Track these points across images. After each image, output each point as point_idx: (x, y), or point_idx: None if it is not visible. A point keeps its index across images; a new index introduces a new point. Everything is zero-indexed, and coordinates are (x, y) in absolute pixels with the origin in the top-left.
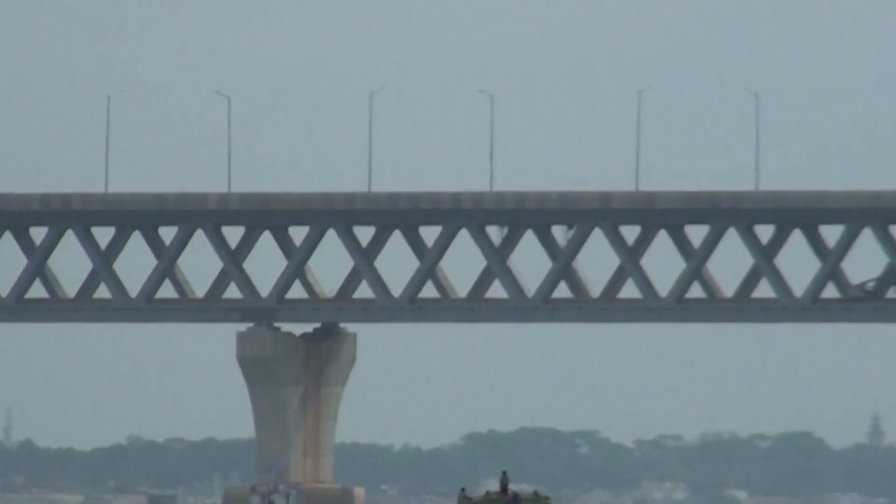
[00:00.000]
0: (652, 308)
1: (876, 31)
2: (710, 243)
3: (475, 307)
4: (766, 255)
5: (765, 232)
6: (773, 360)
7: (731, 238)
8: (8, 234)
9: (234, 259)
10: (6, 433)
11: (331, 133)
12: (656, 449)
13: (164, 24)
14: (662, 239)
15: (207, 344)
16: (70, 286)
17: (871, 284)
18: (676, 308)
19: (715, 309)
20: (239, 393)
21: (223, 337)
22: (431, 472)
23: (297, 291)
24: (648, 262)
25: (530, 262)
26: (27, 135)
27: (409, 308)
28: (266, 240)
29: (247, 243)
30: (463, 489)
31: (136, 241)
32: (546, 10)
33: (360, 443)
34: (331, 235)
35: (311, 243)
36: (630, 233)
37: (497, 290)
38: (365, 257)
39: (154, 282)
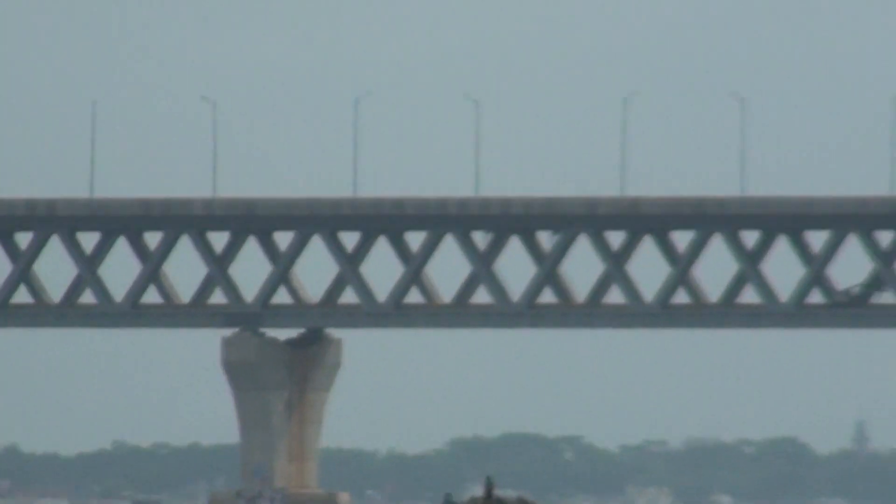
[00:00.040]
0: (637, 314)
1: (861, 37)
2: (696, 249)
3: (460, 313)
4: (751, 261)
5: (750, 237)
6: (759, 366)
7: (717, 243)
8: None
9: (219, 264)
10: None
11: (316, 138)
12: (641, 454)
13: (149, 28)
14: (648, 244)
15: (192, 349)
16: (55, 291)
17: (857, 290)
18: (662, 314)
19: (700, 314)
20: (224, 398)
21: (208, 342)
22: (416, 477)
23: (282, 297)
24: (634, 267)
25: (515, 267)
26: (12, 140)
27: (395, 314)
28: (251, 245)
29: (232, 249)
30: (448, 495)
31: (121, 246)
32: (532, 15)
33: (344, 448)
34: (316, 241)
35: (297, 249)
36: (615, 238)
37: (482, 296)
38: (350, 263)
39: (139, 287)
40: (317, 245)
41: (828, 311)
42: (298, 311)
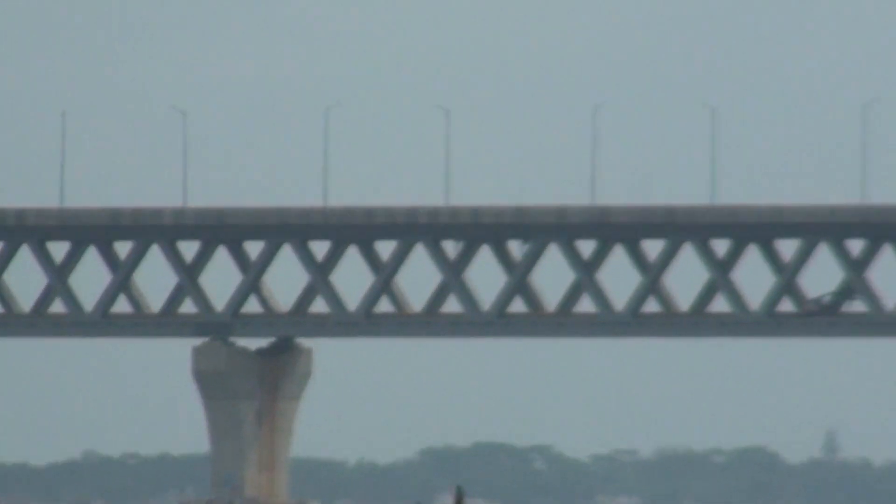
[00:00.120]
0: (608, 322)
1: (831, 46)
2: (666, 258)
3: (431, 322)
4: (722, 270)
5: (721, 246)
6: (729, 375)
7: (688, 252)
8: None
9: (189, 274)
10: None
11: (286, 148)
12: (612, 463)
13: (119, 39)
14: (618, 253)
15: (163, 359)
16: (25, 301)
17: (827, 299)
18: (632, 322)
19: (671, 323)
20: (194, 408)
21: (178, 352)
22: (386, 486)
23: (252, 306)
24: (604, 276)
25: (486, 276)
26: None
27: (365, 322)
28: (221, 254)
29: (202, 258)
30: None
31: (92, 255)
32: (502, 24)
33: (315, 458)
34: (286, 250)
35: (267, 258)
36: (586, 247)
37: (453, 305)
38: (320, 272)
39: (109, 297)
40: (287, 254)
41: (798, 319)
42: (269, 320)
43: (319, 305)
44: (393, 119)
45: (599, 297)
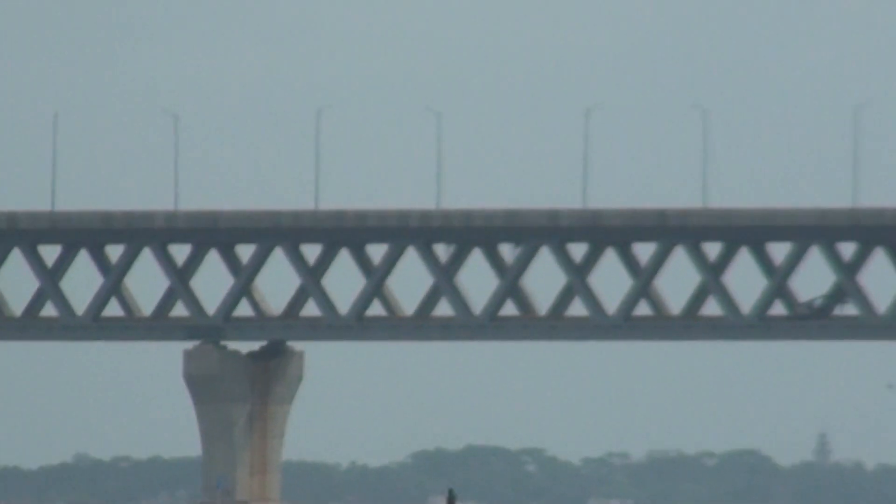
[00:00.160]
0: (599, 326)
1: (823, 49)
2: (658, 261)
3: (422, 325)
4: (713, 273)
5: (712, 249)
6: (721, 378)
7: (679, 255)
8: None
9: (180, 277)
10: None
11: (278, 151)
12: (603, 467)
13: (112, 43)
14: (610, 256)
15: (154, 362)
16: (16, 304)
17: (819, 302)
18: (624, 326)
19: (662, 326)
20: (186, 411)
21: (170, 355)
22: (379, 490)
23: (243, 310)
24: (596, 279)
25: (477, 279)
26: None
27: (356, 326)
28: (213, 258)
29: (194, 261)
30: None
31: (83, 259)
32: (493, 27)
33: (307, 461)
34: (278, 254)
35: (258, 261)
36: (577, 250)
37: (444, 308)
38: (312, 275)
39: (101, 300)
40: (279, 258)
41: (790, 322)
42: (260, 323)
43: (311, 309)
44: (384, 122)
45: (591, 300)
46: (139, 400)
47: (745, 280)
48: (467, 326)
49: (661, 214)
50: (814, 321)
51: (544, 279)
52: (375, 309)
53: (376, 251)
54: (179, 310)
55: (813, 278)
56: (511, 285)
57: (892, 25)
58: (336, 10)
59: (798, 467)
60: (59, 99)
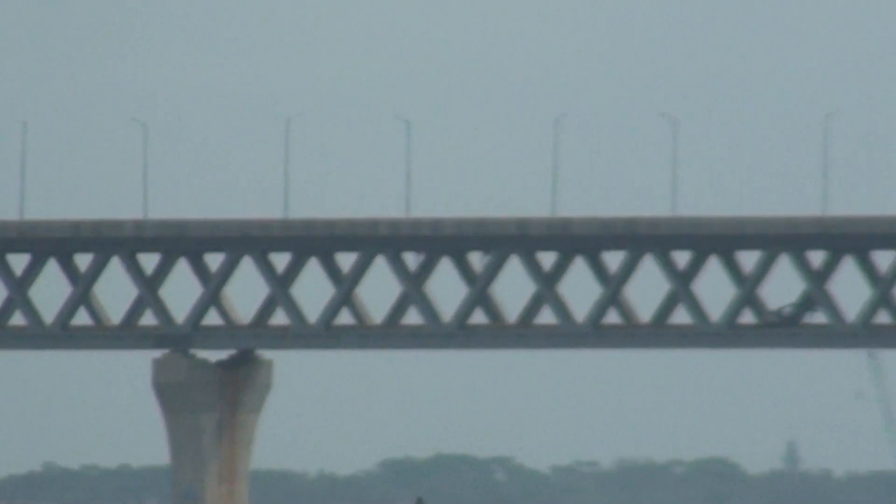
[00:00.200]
0: (568, 334)
1: (792, 57)
2: (627, 269)
3: (391, 334)
4: (682, 281)
5: (681, 258)
6: (690, 386)
7: (648, 264)
8: None
9: (149, 286)
10: None
11: (247, 159)
12: (572, 475)
13: (80, 50)
14: (579, 265)
15: (123, 371)
16: None
17: (788, 310)
18: (593, 334)
19: (631, 335)
20: (154, 420)
21: (138, 364)
22: (347, 498)
23: (212, 318)
24: (565, 288)
25: (446, 288)
26: None
27: (325, 335)
28: (182, 266)
29: (162, 270)
30: None
31: (52, 268)
32: (462, 35)
33: (275, 469)
34: (247, 262)
35: (227, 270)
36: (547, 259)
37: (413, 317)
38: (281, 284)
39: (69, 309)
40: (247, 266)
41: (759, 331)
42: (229, 332)
43: (280, 317)
44: (353, 130)
45: (560, 308)
46: (108, 409)
47: (715, 288)
48: (436, 335)
49: (631, 223)
50: (783, 329)
51: (513, 287)
52: (344, 317)
53: (345, 260)
54: (148, 318)
55: (782, 287)
56: (480, 294)
57: (861, 35)
58: (306, 19)
59: (767, 475)
60: (27, 108)
